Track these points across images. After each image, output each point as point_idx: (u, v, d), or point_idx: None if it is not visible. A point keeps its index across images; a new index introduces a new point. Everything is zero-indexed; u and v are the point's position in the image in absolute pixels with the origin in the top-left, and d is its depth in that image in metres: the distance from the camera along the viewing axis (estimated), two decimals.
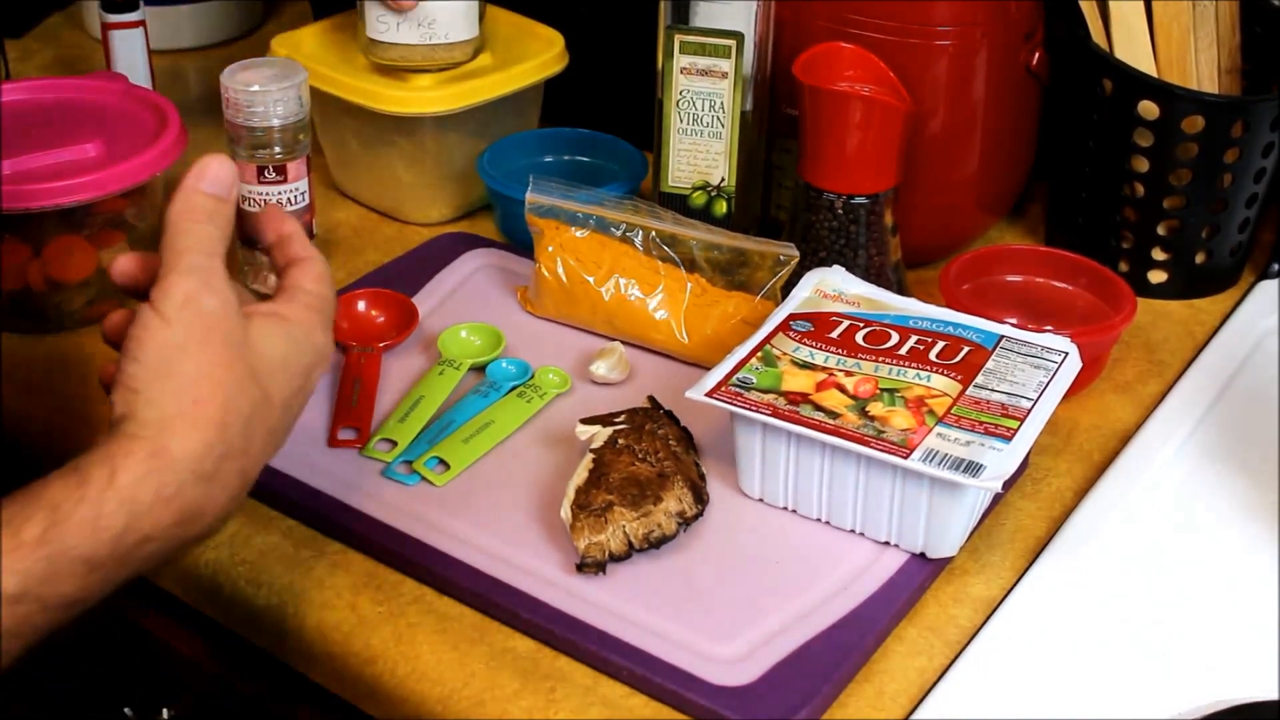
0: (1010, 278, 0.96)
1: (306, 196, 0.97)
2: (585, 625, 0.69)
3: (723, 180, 0.96)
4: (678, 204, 0.97)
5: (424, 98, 1.03)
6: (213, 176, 0.67)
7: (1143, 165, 0.97)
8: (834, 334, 0.80)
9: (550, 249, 0.92)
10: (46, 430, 0.87)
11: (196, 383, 0.60)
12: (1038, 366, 0.77)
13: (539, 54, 1.09)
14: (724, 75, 0.93)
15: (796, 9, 0.95)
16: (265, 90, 0.93)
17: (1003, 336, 0.80)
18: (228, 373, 0.61)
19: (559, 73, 1.09)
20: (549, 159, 1.11)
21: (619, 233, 0.93)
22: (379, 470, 0.80)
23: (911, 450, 0.71)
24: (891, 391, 0.75)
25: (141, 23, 1.12)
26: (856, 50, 0.91)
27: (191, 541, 0.62)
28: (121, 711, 0.92)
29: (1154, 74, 0.97)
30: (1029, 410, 0.74)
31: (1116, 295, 0.91)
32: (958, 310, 0.82)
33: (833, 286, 0.84)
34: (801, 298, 0.83)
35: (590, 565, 0.72)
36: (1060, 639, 0.71)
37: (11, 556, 0.55)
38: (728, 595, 0.71)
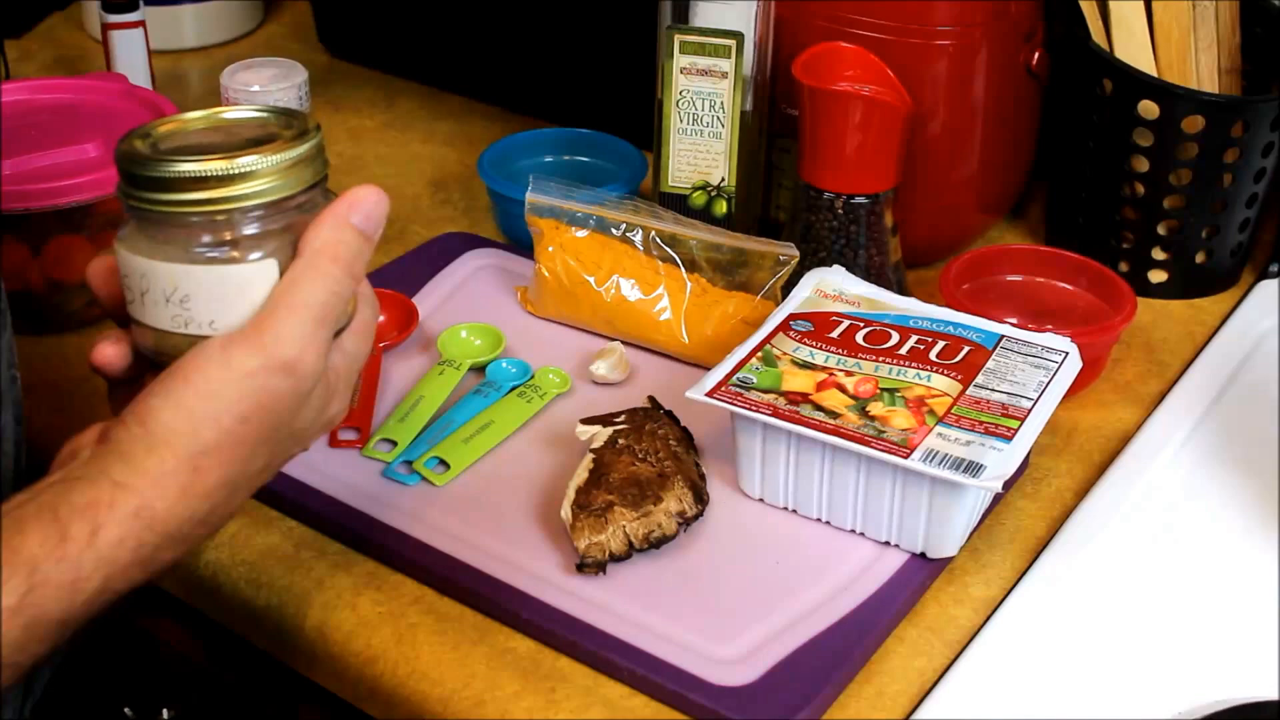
0: (1010, 278, 0.96)
1: None
2: (586, 625, 0.69)
3: (723, 180, 0.96)
4: (678, 204, 0.97)
5: None
6: (366, 210, 0.61)
7: (1143, 165, 0.97)
8: (834, 334, 0.80)
9: (550, 249, 0.92)
10: (46, 430, 0.87)
11: (213, 452, 0.56)
12: (1038, 366, 0.77)
13: None
14: (724, 75, 0.93)
15: (796, 9, 0.95)
16: (265, 90, 0.93)
17: (1003, 336, 0.80)
18: (251, 451, 0.58)
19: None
20: (549, 159, 1.11)
21: (619, 233, 0.93)
22: (379, 470, 0.80)
23: (912, 450, 0.71)
24: (892, 391, 0.75)
25: (141, 23, 1.12)
26: (856, 50, 0.91)
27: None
28: (121, 711, 0.92)
29: (1154, 74, 0.97)
30: (1029, 410, 0.74)
31: (1116, 295, 0.91)
32: (958, 310, 0.82)
33: (833, 286, 0.84)
34: (802, 298, 0.83)
35: (590, 565, 0.72)
36: (1060, 639, 0.71)
37: None
38: (728, 595, 0.71)
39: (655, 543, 0.73)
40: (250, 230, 0.58)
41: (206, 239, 0.58)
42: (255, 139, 0.59)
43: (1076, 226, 1.03)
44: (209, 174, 0.56)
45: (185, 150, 0.58)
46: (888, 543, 0.75)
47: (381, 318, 0.93)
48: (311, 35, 1.38)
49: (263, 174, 0.57)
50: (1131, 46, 0.97)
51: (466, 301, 0.97)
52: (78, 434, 0.60)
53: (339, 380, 0.61)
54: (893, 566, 0.73)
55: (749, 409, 0.74)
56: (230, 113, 0.63)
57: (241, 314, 0.58)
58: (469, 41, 1.24)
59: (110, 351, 0.62)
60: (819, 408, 0.74)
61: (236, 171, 0.56)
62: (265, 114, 0.62)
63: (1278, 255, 1.03)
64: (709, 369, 0.78)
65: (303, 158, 0.58)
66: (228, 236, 0.58)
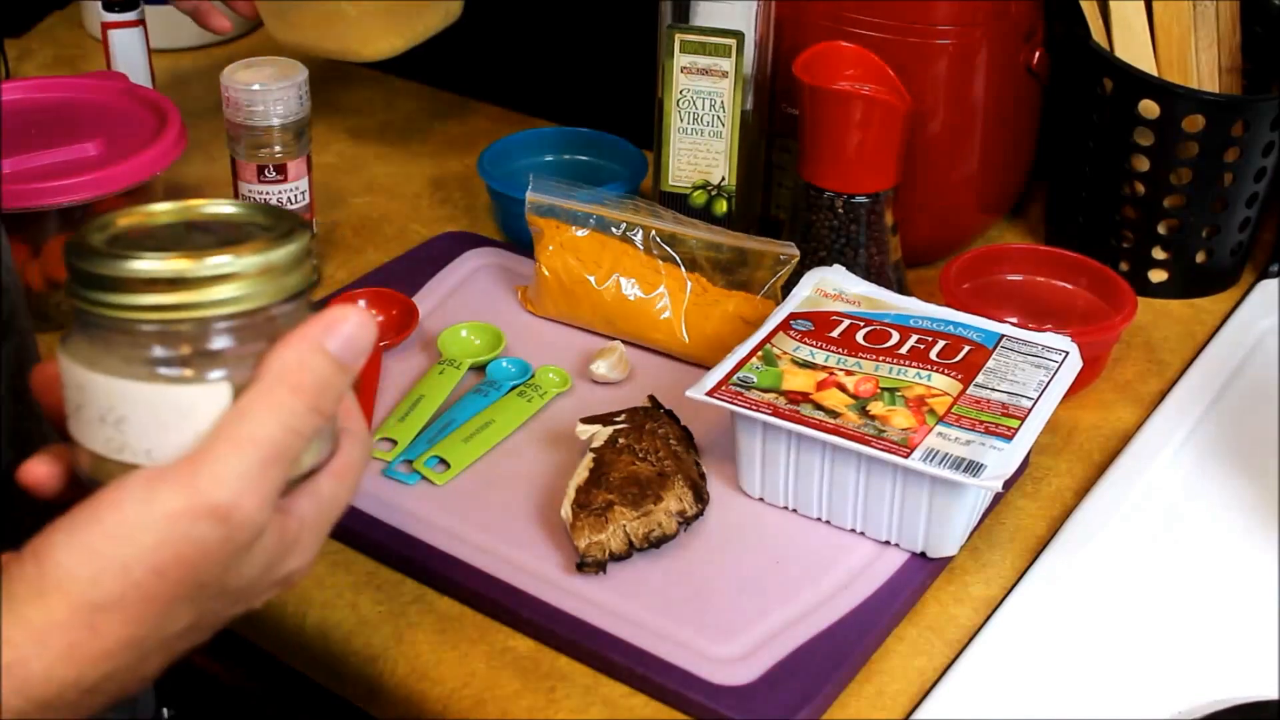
0: (1010, 277, 0.96)
1: (307, 196, 0.97)
2: (585, 625, 0.69)
3: (723, 179, 0.96)
4: (678, 203, 0.97)
5: None
6: (346, 336, 0.50)
7: (1143, 164, 0.97)
8: (834, 333, 0.80)
9: (551, 248, 0.92)
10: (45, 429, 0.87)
11: (114, 607, 0.47)
12: (1038, 366, 0.77)
13: None
14: (724, 74, 0.93)
15: (797, 8, 0.95)
16: (265, 89, 0.93)
17: (1003, 336, 0.80)
18: (164, 608, 0.48)
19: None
20: (549, 158, 1.11)
21: (619, 232, 0.93)
22: (379, 470, 0.80)
23: (912, 449, 0.71)
24: (892, 391, 0.75)
25: (141, 22, 1.12)
26: (857, 49, 0.91)
27: None
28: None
29: (1154, 73, 0.97)
30: (1029, 409, 0.74)
31: (1117, 294, 0.91)
32: (958, 310, 0.82)
33: (833, 286, 0.84)
34: (802, 297, 0.83)
35: (590, 565, 0.72)
36: (1060, 639, 0.71)
37: None
38: (728, 595, 0.71)
39: (655, 542, 0.73)
40: (213, 346, 0.49)
41: (158, 352, 0.48)
42: (230, 238, 0.49)
43: (1076, 226, 1.03)
44: (168, 274, 0.47)
45: (146, 245, 0.48)
46: (888, 542, 0.75)
47: (381, 318, 0.93)
48: None
49: (234, 278, 0.47)
50: (1132, 46, 0.97)
51: (466, 301, 0.97)
52: None
53: (304, 531, 0.51)
54: (893, 566, 0.73)
55: (749, 408, 0.74)
56: (209, 206, 0.53)
57: (183, 444, 0.48)
58: (469, 41, 1.24)
59: (41, 471, 0.52)
60: (819, 407, 0.74)
61: (203, 274, 0.47)
62: (248, 210, 0.53)
63: (1278, 255, 1.03)
64: (709, 368, 0.78)
65: (285, 262, 0.49)
66: (184, 351, 0.48)
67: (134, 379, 0.48)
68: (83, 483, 0.51)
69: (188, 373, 0.48)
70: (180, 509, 0.47)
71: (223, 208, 0.53)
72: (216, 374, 0.49)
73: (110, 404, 0.49)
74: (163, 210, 0.53)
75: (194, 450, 0.48)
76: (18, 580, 0.47)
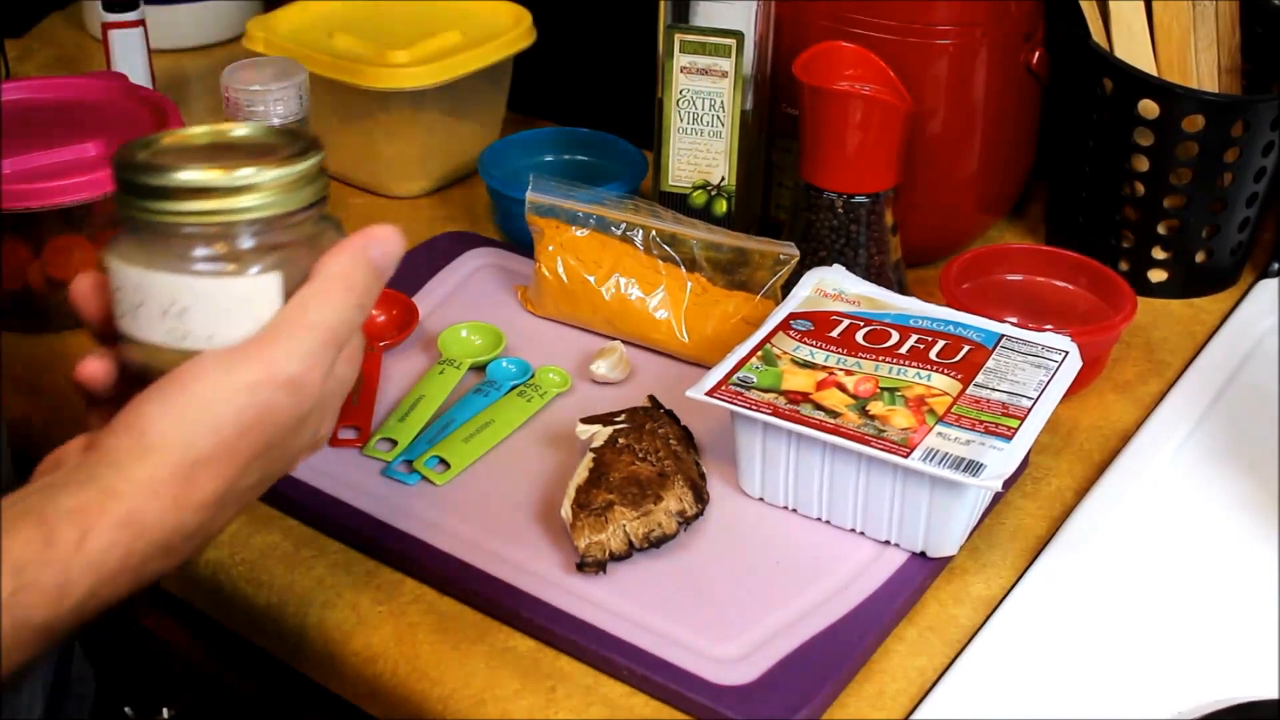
0: (1010, 277, 0.96)
1: None
2: (586, 624, 0.69)
3: (723, 179, 0.96)
4: (678, 203, 0.97)
5: (402, 74, 1.06)
6: (383, 247, 0.60)
7: (1143, 164, 0.97)
8: (834, 333, 0.80)
9: (551, 248, 0.92)
10: (46, 430, 0.87)
11: (208, 463, 0.55)
12: (1038, 366, 0.77)
13: (507, 30, 1.12)
14: (724, 74, 0.93)
15: (796, 8, 0.95)
16: (265, 89, 0.93)
17: (1003, 336, 0.80)
18: (245, 465, 0.56)
19: (528, 48, 1.13)
20: (549, 158, 1.11)
21: (619, 232, 0.93)
22: (379, 470, 0.80)
23: (912, 449, 0.71)
24: (892, 391, 0.75)
25: (141, 22, 1.12)
26: (857, 50, 0.91)
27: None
28: (121, 711, 0.92)
29: (1154, 73, 0.97)
30: (1029, 409, 0.74)
31: (1116, 294, 0.91)
32: (958, 309, 0.82)
33: (833, 285, 0.84)
34: (802, 297, 0.83)
35: (590, 564, 0.72)
36: (1060, 639, 0.71)
37: None
38: (728, 595, 0.71)
39: (655, 542, 0.73)
40: (247, 245, 0.56)
41: (202, 251, 0.56)
42: (256, 154, 0.58)
43: (1076, 226, 1.03)
44: (207, 184, 0.55)
45: (185, 161, 0.57)
46: (888, 542, 0.75)
47: (381, 317, 0.93)
48: None
49: (261, 188, 0.56)
50: (1131, 46, 0.97)
51: (467, 301, 0.97)
52: (62, 445, 0.58)
53: (331, 399, 0.60)
54: (893, 566, 0.73)
55: (749, 408, 0.74)
56: (236, 129, 0.62)
57: (243, 329, 0.56)
58: None
59: (96, 367, 0.59)
60: (819, 407, 0.74)
61: (235, 184, 0.55)
62: (270, 131, 0.62)
63: (1278, 255, 1.03)
64: (709, 368, 0.78)
65: (302, 176, 0.57)
66: (224, 250, 0.56)
67: (194, 275, 0.56)
68: (134, 377, 0.58)
69: (233, 268, 0.56)
70: (260, 379, 0.55)
71: (248, 129, 0.61)
72: (256, 268, 0.56)
73: (173, 298, 0.56)
74: (198, 133, 0.61)
75: (264, 332, 0.56)
76: (117, 449, 0.54)
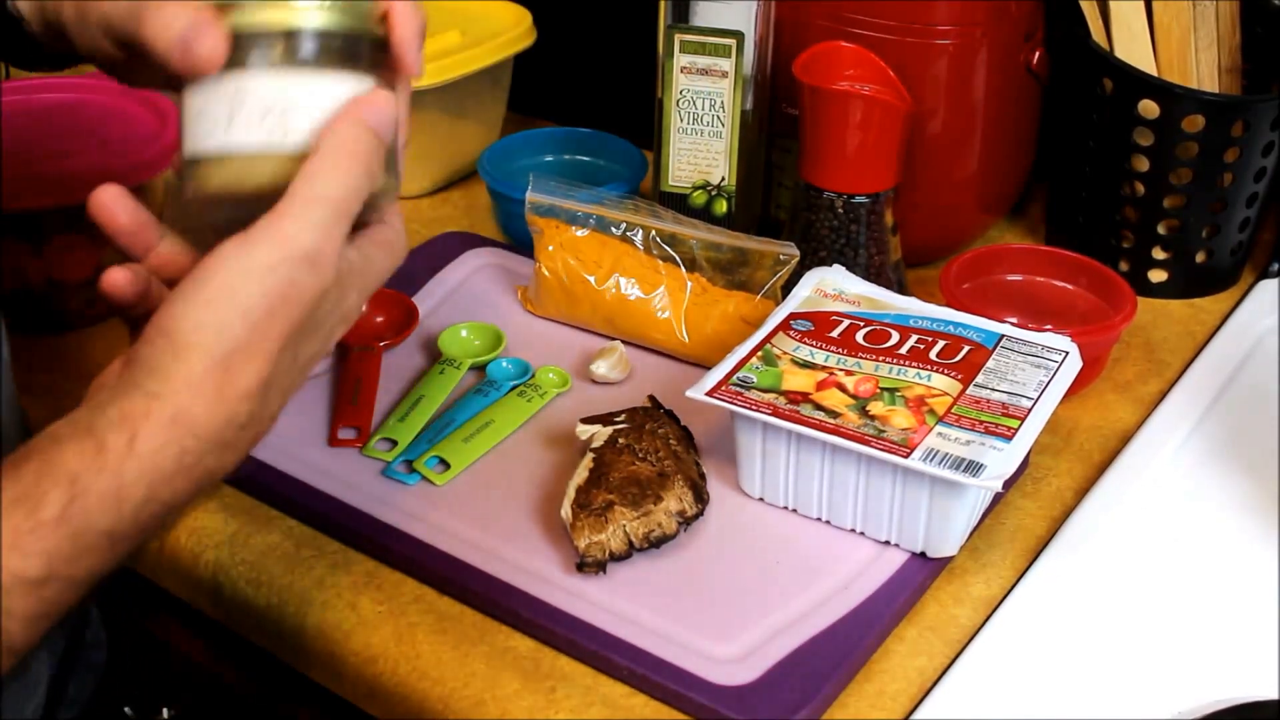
0: (1010, 277, 0.96)
1: None
2: (586, 625, 0.69)
3: (723, 179, 0.96)
4: (678, 203, 0.97)
5: None
6: (378, 112, 0.59)
7: (1143, 164, 0.97)
8: (834, 333, 0.80)
9: (551, 248, 0.92)
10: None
11: (244, 350, 0.55)
12: (1038, 366, 0.77)
13: (507, 30, 1.13)
14: (724, 74, 0.93)
15: (796, 8, 0.95)
16: None
17: (1003, 336, 0.80)
18: (281, 346, 0.56)
19: (528, 47, 1.13)
20: (549, 158, 1.11)
21: (619, 232, 0.93)
22: (379, 470, 0.80)
23: (912, 450, 0.71)
24: (892, 391, 0.75)
25: None
26: (857, 50, 0.91)
27: (199, 498, 0.59)
28: (122, 711, 0.92)
29: (1154, 73, 0.97)
30: (1029, 409, 0.74)
31: (1117, 294, 0.91)
32: (958, 310, 0.82)
33: (833, 286, 0.84)
34: (802, 297, 0.83)
35: (590, 565, 0.72)
36: (1060, 639, 0.71)
37: (33, 536, 0.51)
38: (728, 595, 0.71)
39: (655, 542, 0.73)
40: (352, 49, 0.59)
41: (310, 48, 0.58)
42: None
43: (1076, 226, 1.03)
44: None
45: None
46: (888, 542, 0.75)
47: (380, 318, 0.93)
48: None
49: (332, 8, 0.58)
50: (1131, 46, 0.97)
51: (467, 301, 0.97)
52: (105, 369, 0.58)
53: (353, 277, 0.59)
54: (893, 566, 0.73)
55: (749, 408, 0.74)
56: None
57: None
58: None
59: (119, 276, 0.60)
60: (819, 407, 0.74)
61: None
62: None
63: (1278, 255, 1.03)
64: (709, 368, 0.78)
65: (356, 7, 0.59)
66: (331, 48, 0.58)
67: (301, 72, 0.58)
68: (195, 228, 0.60)
69: (337, 68, 0.58)
70: (278, 258, 0.55)
71: None
72: (358, 73, 0.59)
73: (277, 97, 0.58)
74: None
75: (274, 211, 0.56)
76: (152, 354, 0.54)
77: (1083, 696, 0.68)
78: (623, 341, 0.91)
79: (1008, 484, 0.79)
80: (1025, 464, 0.82)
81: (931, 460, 0.70)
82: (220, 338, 0.54)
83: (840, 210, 0.91)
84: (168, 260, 0.62)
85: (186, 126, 0.59)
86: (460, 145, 1.13)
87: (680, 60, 0.93)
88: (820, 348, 0.79)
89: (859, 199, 0.90)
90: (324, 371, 0.88)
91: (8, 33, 0.69)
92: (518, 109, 1.24)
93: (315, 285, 0.56)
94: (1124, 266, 1.00)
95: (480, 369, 0.89)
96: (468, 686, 0.68)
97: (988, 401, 0.74)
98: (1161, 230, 0.99)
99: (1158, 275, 1.01)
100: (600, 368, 0.88)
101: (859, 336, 0.79)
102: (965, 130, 0.97)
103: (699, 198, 0.97)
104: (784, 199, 1.03)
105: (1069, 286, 0.95)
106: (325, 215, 0.56)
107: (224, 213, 0.58)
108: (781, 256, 0.90)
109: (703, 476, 0.78)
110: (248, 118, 0.58)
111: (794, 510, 0.77)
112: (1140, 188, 0.98)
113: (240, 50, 0.58)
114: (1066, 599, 0.73)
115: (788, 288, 0.87)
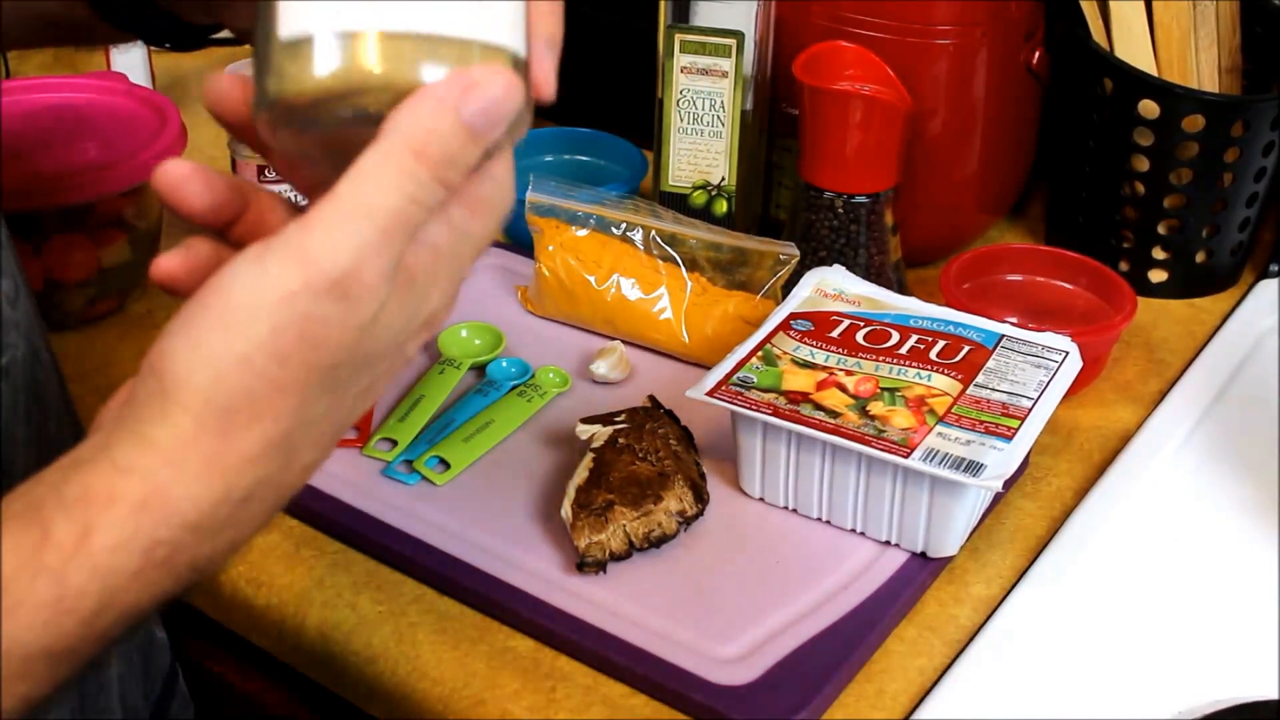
0: (1010, 277, 0.96)
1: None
2: (586, 624, 0.69)
3: (723, 179, 0.96)
4: (678, 203, 0.97)
5: None
6: (486, 101, 0.43)
7: (1143, 164, 0.97)
8: (834, 333, 0.80)
9: (551, 248, 0.92)
10: None
11: (246, 407, 0.42)
12: (1038, 366, 0.77)
13: None
14: (724, 74, 0.93)
15: (796, 8, 0.95)
16: None
17: (1003, 336, 0.80)
18: (301, 399, 0.43)
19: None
20: (549, 158, 1.11)
21: (619, 232, 0.93)
22: (379, 470, 0.80)
23: (912, 449, 0.71)
24: (892, 391, 0.75)
25: None
26: (857, 49, 0.91)
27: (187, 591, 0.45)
28: None
29: (1154, 73, 0.97)
30: (1029, 409, 0.74)
31: (1117, 294, 0.91)
32: (958, 310, 0.82)
33: (833, 286, 0.84)
34: (802, 297, 0.83)
35: (591, 564, 0.72)
36: (1061, 638, 0.71)
37: None
38: (728, 595, 0.71)
39: (655, 542, 0.73)
40: None
41: None
42: None
43: (1076, 226, 1.03)
44: None
45: None
46: (888, 542, 0.75)
47: None
48: None
49: None
50: (1132, 46, 0.97)
51: (466, 301, 0.97)
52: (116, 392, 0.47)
53: (439, 266, 0.45)
54: (893, 566, 0.73)
55: (749, 408, 0.74)
56: None
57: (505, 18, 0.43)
58: None
59: (172, 263, 0.46)
60: (819, 407, 0.74)
61: None
62: None
63: (1278, 255, 1.03)
64: (709, 368, 0.78)
65: None
66: None
67: None
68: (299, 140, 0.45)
69: None
70: (296, 287, 0.42)
71: None
72: None
73: None
74: None
75: (306, 219, 0.42)
76: (143, 401, 0.42)
77: (1082, 696, 0.68)
78: (623, 341, 0.91)
79: (1008, 484, 0.79)
80: (1025, 464, 0.82)
81: (931, 460, 0.70)
82: (214, 391, 0.42)
83: (840, 210, 0.91)
84: (255, 226, 0.49)
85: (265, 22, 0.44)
86: None
87: (680, 60, 0.93)
88: (820, 348, 0.79)
89: (859, 199, 0.90)
90: None
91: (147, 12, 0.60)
92: None
93: (348, 321, 0.43)
94: (1124, 266, 1.00)
95: (480, 369, 0.89)
96: (468, 686, 0.68)
97: (988, 401, 0.74)
98: (1161, 230, 0.99)
99: (1158, 275, 1.01)
100: (600, 368, 0.88)
101: (859, 336, 0.79)
102: (965, 130, 0.97)
103: (699, 198, 0.97)
104: (784, 199, 1.03)
105: (1069, 286, 0.95)
106: (368, 234, 0.42)
107: (346, 119, 0.44)
108: (781, 256, 0.90)
109: (703, 476, 0.78)
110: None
111: (794, 510, 0.77)
112: (1140, 188, 0.98)
113: None
114: (1066, 599, 0.73)
115: (788, 288, 0.87)
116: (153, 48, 0.77)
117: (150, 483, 0.42)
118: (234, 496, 0.43)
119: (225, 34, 0.66)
